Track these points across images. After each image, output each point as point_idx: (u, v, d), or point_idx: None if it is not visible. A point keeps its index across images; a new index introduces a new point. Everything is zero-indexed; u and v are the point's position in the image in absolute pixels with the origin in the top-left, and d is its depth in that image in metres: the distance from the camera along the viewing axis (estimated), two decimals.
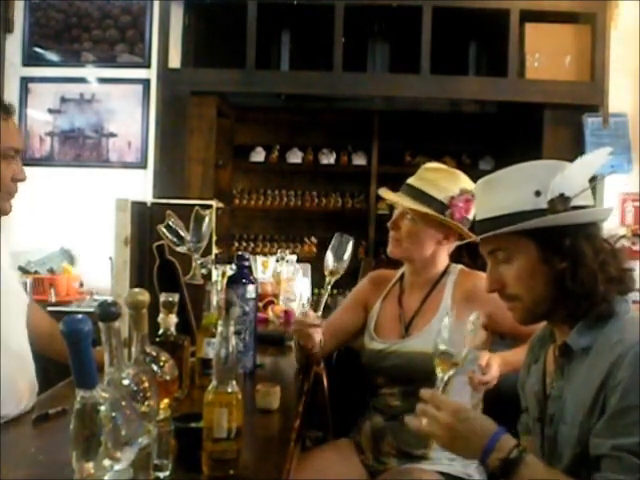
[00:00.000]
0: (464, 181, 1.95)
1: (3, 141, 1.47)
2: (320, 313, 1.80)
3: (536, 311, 1.25)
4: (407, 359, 1.88)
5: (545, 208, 1.19)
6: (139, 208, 1.94)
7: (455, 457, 1.84)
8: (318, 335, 1.80)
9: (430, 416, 1.19)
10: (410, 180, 1.97)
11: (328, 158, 5.22)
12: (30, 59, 3.99)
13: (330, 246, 1.82)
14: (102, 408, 0.98)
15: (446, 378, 1.29)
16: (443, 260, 1.99)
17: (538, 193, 1.20)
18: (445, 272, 1.98)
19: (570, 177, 1.20)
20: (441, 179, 1.93)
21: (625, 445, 1.06)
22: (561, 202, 1.19)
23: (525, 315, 1.26)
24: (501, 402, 1.64)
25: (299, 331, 1.82)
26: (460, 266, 2.00)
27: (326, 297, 1.82)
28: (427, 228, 1.92)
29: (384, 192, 2.00)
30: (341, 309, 2.14)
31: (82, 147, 4.00)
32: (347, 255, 1.81)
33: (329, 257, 1.81)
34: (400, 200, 1.92)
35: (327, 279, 1.81)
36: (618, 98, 3.81)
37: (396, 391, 1.90)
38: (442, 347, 1.28)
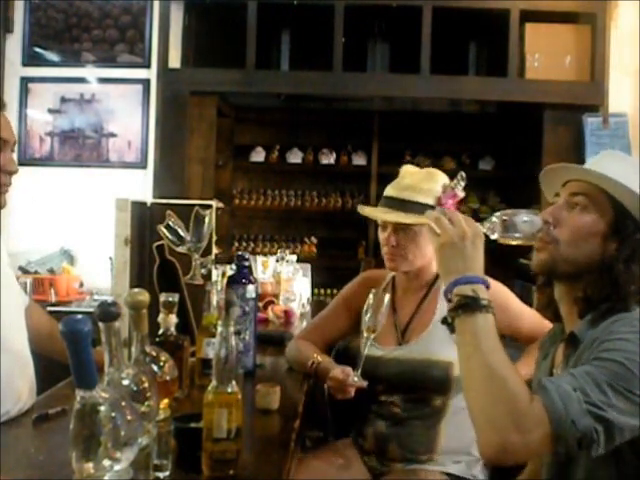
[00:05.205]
0: (442, 177, 1.92)
1: None
2: (359, 371, 1.75)
3: (559, 267, 1.24)
4: (407, 367, 1.86)
5: None
6: (139, 208, 1.94)
7: (460, 459, 1.85)
8: (353, 390, 1.75)
9: (442, 225, 1.19)
10: (391, 192, 1.92)
11: (328, 158, 5.22)
12: (30, 59, 3.98)
13: (366, 305, 1.76)
14: (102, 408, 0.98)
15: (488, 234, 1.26)
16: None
17: None
18: (438, 274, 1.94)
19: None
20: (421, 182, 1.90)
21: (591, 372, 1.06)
22: None
23: (548, 261, 1.25)
24: None
25: (337, 389, 1.77)
26: None
27: (365, 354, 1.76)
28: (424, 235, 1.88)
29: (368, 211, 1.95)
30: (331, 311, 2.10)
31: (82, 147, 3.99)
32: (384, 309, 1.76)
33: (367, 315, 1.75)
34: (394, 217, 1.86)
35: (365, 335, 1.76)
36: (618, 98, 3.81)
37: (397, 399, 1.88)
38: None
